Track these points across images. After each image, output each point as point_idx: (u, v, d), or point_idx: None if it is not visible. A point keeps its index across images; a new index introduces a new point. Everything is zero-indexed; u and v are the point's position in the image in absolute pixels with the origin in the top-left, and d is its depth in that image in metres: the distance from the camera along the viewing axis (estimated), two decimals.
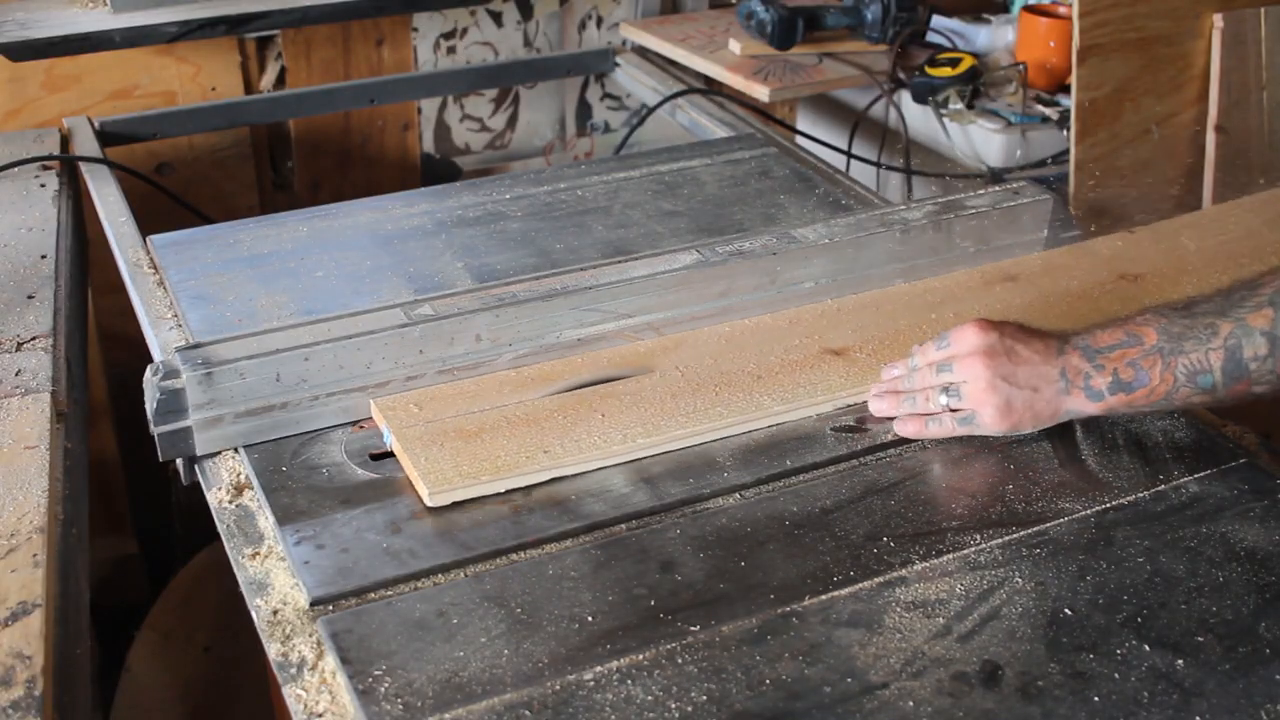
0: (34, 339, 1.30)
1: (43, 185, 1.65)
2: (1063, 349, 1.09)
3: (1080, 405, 1.09)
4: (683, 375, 1.20)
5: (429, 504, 1.05)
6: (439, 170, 2.34)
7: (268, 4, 1.95)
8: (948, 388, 1.12)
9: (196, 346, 1.14)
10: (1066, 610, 0.94)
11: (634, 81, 2.22)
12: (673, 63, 2.19)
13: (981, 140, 1.94)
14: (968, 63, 2.00)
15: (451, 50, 2.26)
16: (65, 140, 1.83)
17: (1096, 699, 0.86)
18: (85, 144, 1.79)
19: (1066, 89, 1.93)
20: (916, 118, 2.03)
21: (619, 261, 1.31)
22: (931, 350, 1.15)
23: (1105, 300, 1.32)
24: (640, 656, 0.90)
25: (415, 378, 1.18)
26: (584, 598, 0.95)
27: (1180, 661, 0.90)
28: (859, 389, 1.19)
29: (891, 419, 1.16)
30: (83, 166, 1.71)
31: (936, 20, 2.20)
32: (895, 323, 1.30)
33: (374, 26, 2.17)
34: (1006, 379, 1.10)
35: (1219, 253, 1.40)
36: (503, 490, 1.06)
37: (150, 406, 1.11)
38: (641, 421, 1.13)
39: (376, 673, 0.88)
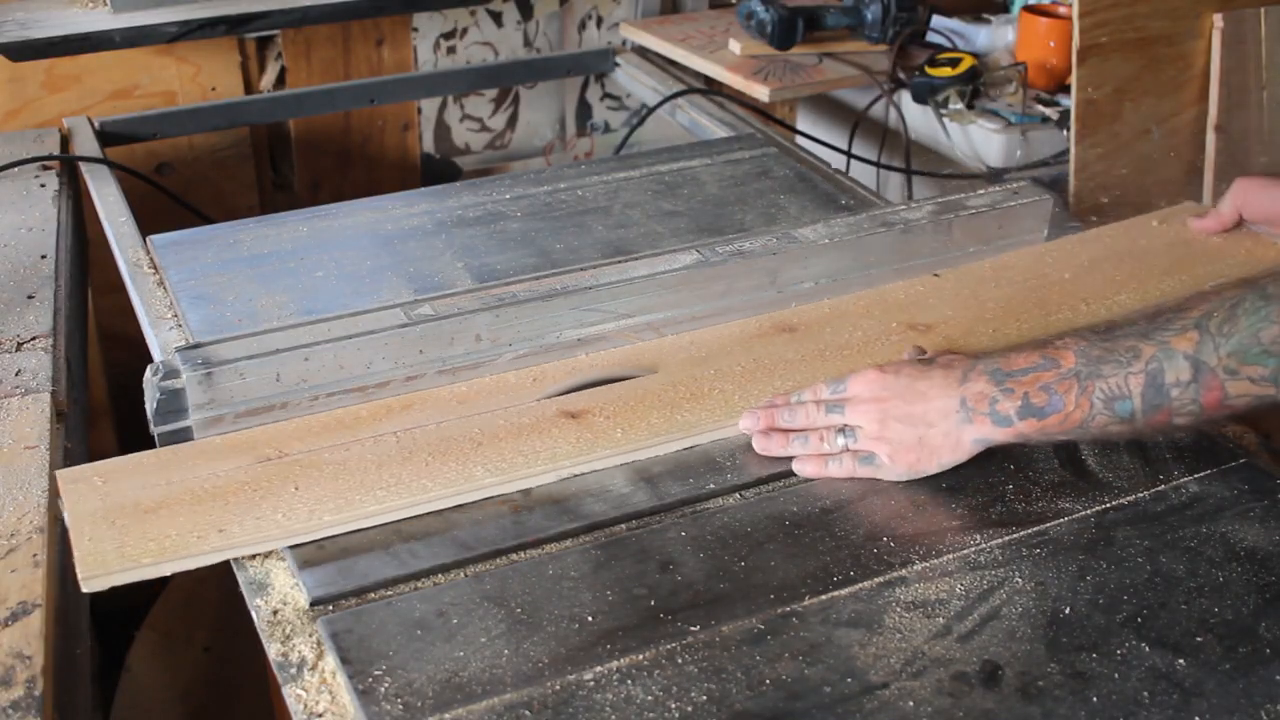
0: (34, 339, 1.30)
1: (43, 185, 1.65)
2: (966, 376, 1.04)
3: (986, 433, 1.03)
4: (397, 441, 1.10)
5: (84, 589, 0.95)
6: (439, 170, 2.34)
7: (268, 4, 1.95)
8: (844, 429, 1.08)
9: (196, 346, 1.14)
10: (1066, 610, 0.94)
11: (634, 81, 2.22)
12: (673, 63, 2.19)
13: (981, 140, 1.94)
14: (968, 63, 2.00)
15: (451, 50, 2.26)
16: (65, 140, 1.83)
17: (1096, 699, 0.86)
18: (85, 144, 1.79)
19: (1066, 89, 1.93)
20: (916, 118, 2.03)
21: (619, 261, 1.31)
22: (823, 390, 1.11)
23: (889, 352, 1.23)
24: (640, 656, 0.90)
25: (415, 378, 1.18)
26: (584, 598, 0.95)
27: (1180, 661, 0.90)
28: (588, 457, 1.09)
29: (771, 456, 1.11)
30: (83, 166, 1.71)
31: (936, 20, 2.20)
32: (647, 383, 1.19)
33: (374, 26, 2.17)
34: (898, 419, 1.05)
35: (1027, 300, 1.30)
36: (167, 574, 0.98)
37: (150, 406, 1.11)
38: (335, 496, 1.04)
39: (376, 673, 0.88)
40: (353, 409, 1.15)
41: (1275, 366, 0.94)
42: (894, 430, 1.05)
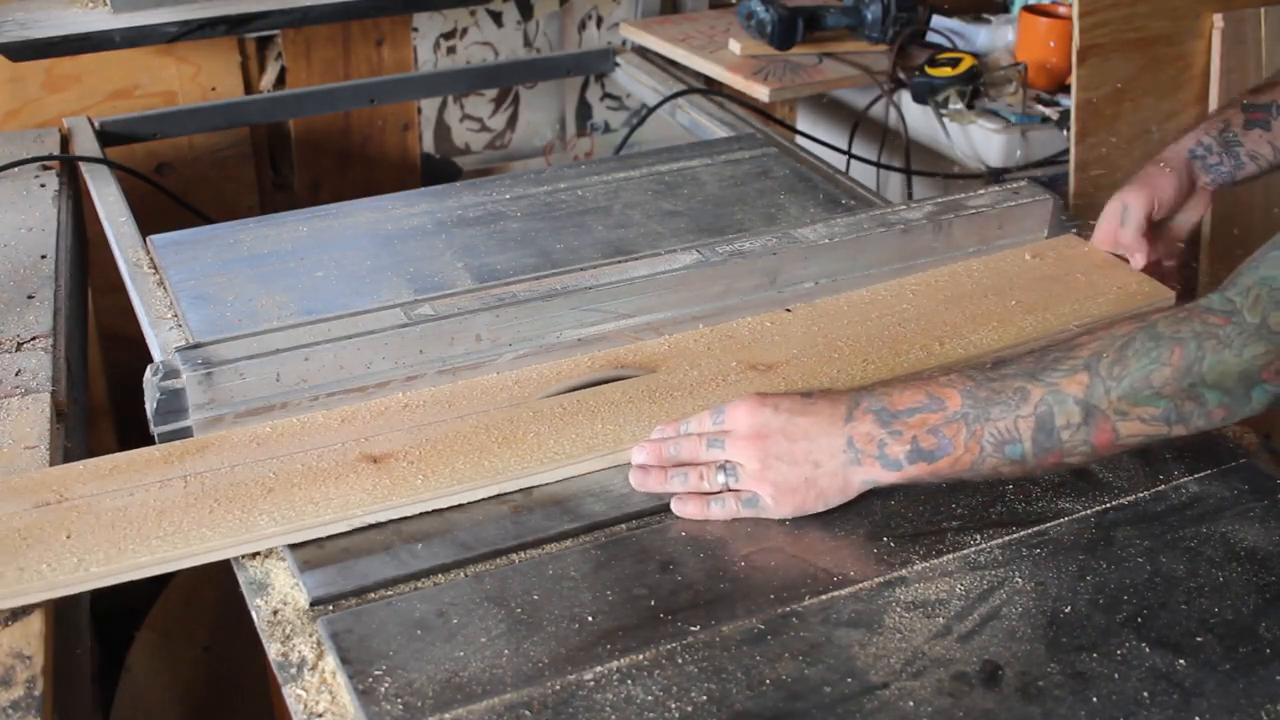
0: (34, 339, 1.30)
1: (43, 185, 1.65)
2: (851, 414, 1.00)
3: (875, 475, 1.00)
4: (185, 486, 1.04)
5: None
6: (439, 170, 2.34)
7: (268, 4, 1.95)
8: (725, 465, 1.03)
9: (196, 346, 1.14)
10: (1066, 610, 0.94)
11: (634, 81, 2.22)
12: (673, 63, 2.19)
13: (981, 140, 1.94)
14: (968, 63, 2.00)
15: (451, 50, 2.26)
16: (65, 140, 1.83)
17: (1096, 699, 0.86)
18: (85, 144, 1.79)
19: (1066, 89, 1.93)
20: (916, 118, 2.04)
21: (619, 261, 1.31)
22: (707, 421, 1.06)
23: (724, 394, 1.15)
24: (640, 656, 0.90)
25: (415, 378, 1.18)
26: (584, 598, 0.95)
27: (1180, 661, 0.90)
28: (382, 505, 1.03)
29: (656, 494, 1.06)
30: (83, 166, 1.71)
31: (936, 20, 2.20)
32: (460, 424, 1.13)
33: (374, 26, 2.17)
34: (780, 458, 1.00)
35: (878, 338, 1.24)
36: None
37: (150, 406, 1.11)
38: (108, 544, 0.98)
39: (376, 673, 0.88)
40: (145, 451, 1.08)
41: (1167, 407, 0.93)
42: (777, 471, 1.01)
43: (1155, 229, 1.37)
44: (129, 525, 1.00)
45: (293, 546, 1.00)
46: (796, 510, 1.02)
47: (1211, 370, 0.92)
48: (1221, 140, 1.34)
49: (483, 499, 1.06)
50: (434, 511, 1.04)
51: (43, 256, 1.47)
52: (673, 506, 1.05)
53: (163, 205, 1.85)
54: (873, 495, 1.06)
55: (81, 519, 1.00)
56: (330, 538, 1.01)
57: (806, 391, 1.04)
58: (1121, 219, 1.34)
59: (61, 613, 0.99)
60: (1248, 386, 0.92)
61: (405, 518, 1.03)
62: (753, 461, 1.01)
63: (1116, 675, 0.89)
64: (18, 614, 0.94)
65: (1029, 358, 0.98)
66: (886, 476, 1.00)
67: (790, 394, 1.04)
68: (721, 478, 1.03)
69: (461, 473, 1.07)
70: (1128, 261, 1.35)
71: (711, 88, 2.11)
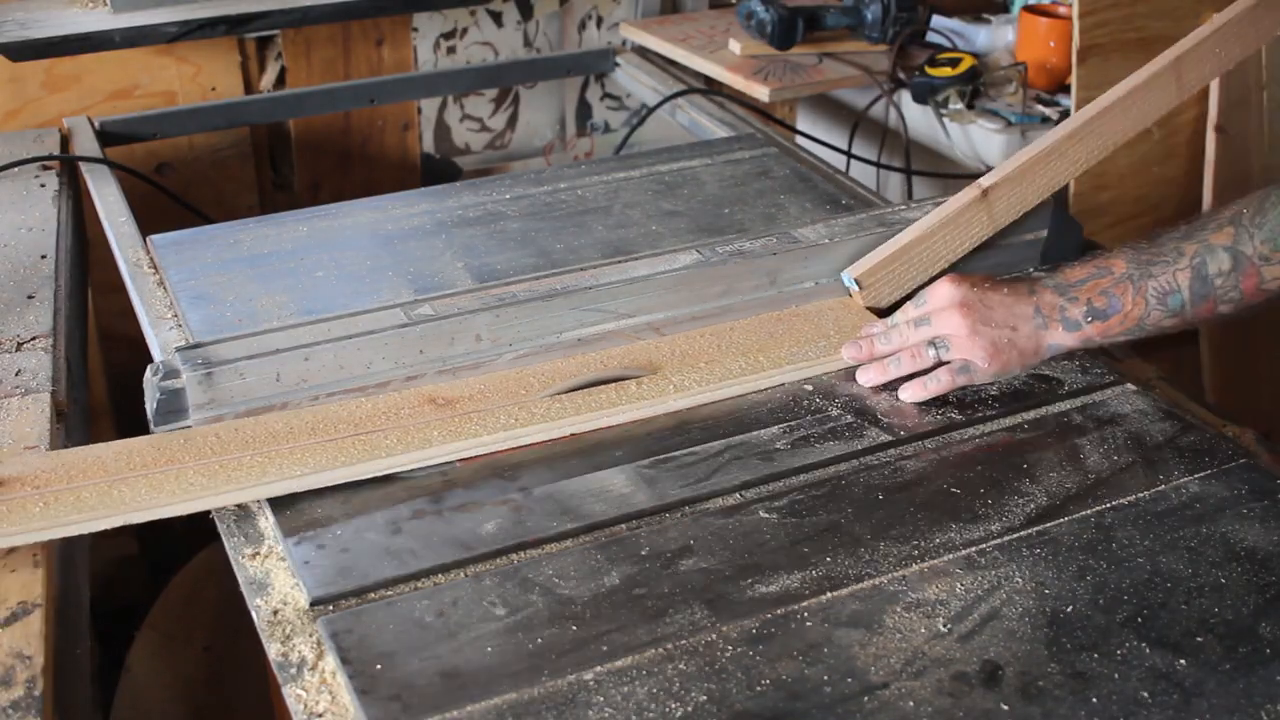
0: (34, 339, 1.30)
1: (43, 185, 1.66)
2: (1033, 289, 1.16)
3: (1059, 339, 1.15)
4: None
5: None
6: (439, 170, 2.34)
7: (268, 4, 1.95)
8: (934, 341, 1.17)
9: (196, 346, 1.14)
10: (1066, 610, 0.94)
11: (634, 81, 2.22)
12: (673, 63, 2.19)
13: (981, 140, 1.94)
14: (968, 63, 2.00)
15: (451, 50, 2.26)
16: (65, 140, 1.83)
17: (1096, 699, 0.86)
18: (85, 144, 1.79)
19: (1066, 89, 1.93)
20: (916, 118, 2.04)
21: (619, 261, 1.31)
22: (910, 309, 1.21)
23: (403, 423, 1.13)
24: (640, 656, 0.90)
25: (415, 378, 1.19)
26: (584, 598, 0.95)
27: (1180, 661, 0.90)
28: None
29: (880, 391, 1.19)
30: (83, 166, 1.71)
31: (936, 20, 2.20)
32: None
33: (374, 26, 2.17)
34: (984, 322, 1.15)
35: (579, 370, 1.21)
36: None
37: (150, 406, 1.11)
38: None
39: (376, 673, 0.88)
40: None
41: None
42: (984, 334, 1.15)
43: None
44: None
45: (294, 545, 1.00)
46: (1002, 370, 1.16)
47: None
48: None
49: (484, 499, 1.06)
50: (435, 512, 1.04)
51: (43, 256, 1.47)
52: (901, 395, 1.18)
53: (163, 205, 1.85)
54: (873, 495, 1.07)
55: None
56: (330, 538, 1.01)
57: (987, 276, 1.20)
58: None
59: (61, 613, 0.99)
60: None
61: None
62: (961, 329, 1.15)
63: (1116, 675, 0.89)
64: (17, 614, 0.94)
65: (1182, 226, 1.13)
66: (1068, 339, 1.16)
67: (979, 276, 1.19)
68: (932, 352, 1.17)
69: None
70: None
71: (711, 88, 2.11)
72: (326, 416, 1.12)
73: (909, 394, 1.18)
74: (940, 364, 1.17)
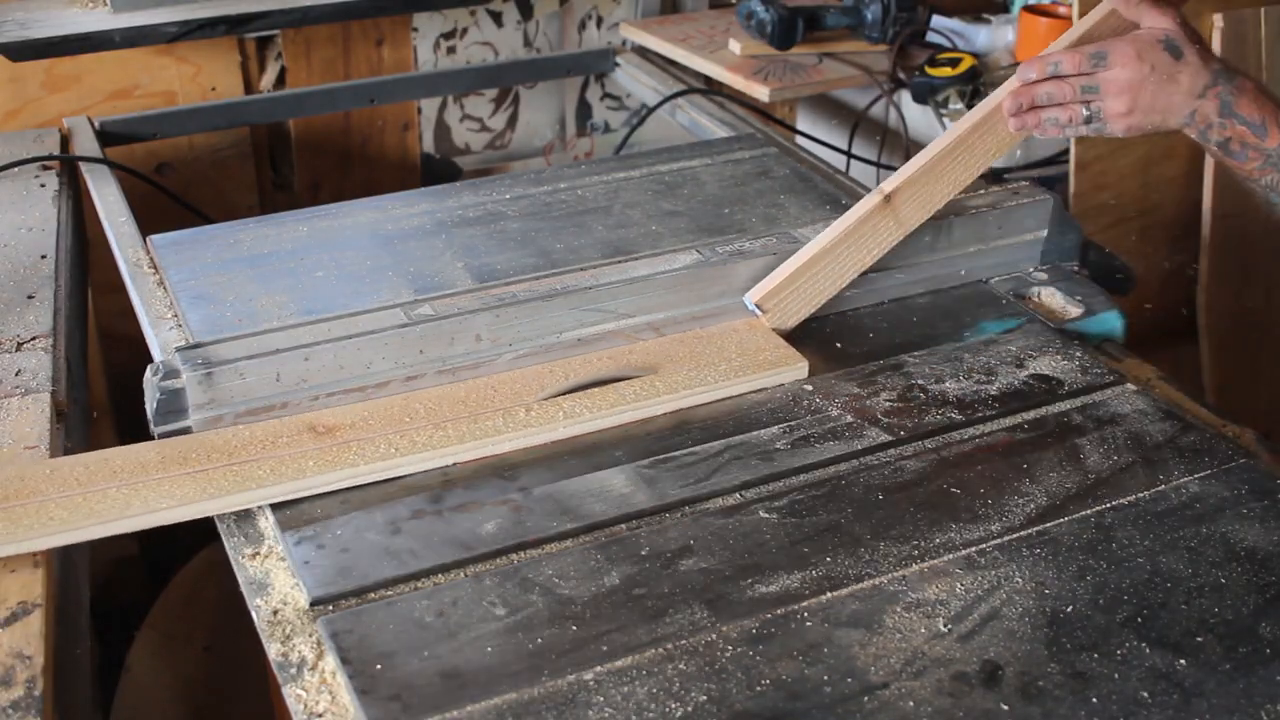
0: (34, 339, 1.30)
1: (43, 185, 1.65)
2: (1205, 92, 1.21)
3: (1192, 135, 1.23)
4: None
5: None
6: (439, 170, 2.34)
7: (268, 4, 1.95)
8: (1088, 105, 1.23)
9: (196, 346, 1.14)
10: (1066, 610, 0.94)
11: (634, 81, 2.22)
12: (673, 63, 2.18)
13: None
14: (968, 63, 2.00)
15: (451, 50, 2.26)
16: (65, 140, 1.83)
17: (1096, 699, 0.86)
18: (85, 144, 1.79)
19: None
20: (916, 118, 2.03)
21: (619, 261, 1.31)
22: (1084, 61, 1.23)
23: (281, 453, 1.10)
24: (640, 656, 0.90)
25: (415, 378, 1.18)
26: (584, 598, 0.95)
27: (1180, 661, 0.90)
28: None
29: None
30: (83, 166, 1.71)
31: (936, 20, 2.20)
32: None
33: (374, 26, 2.17)
34: (1144, 110, 1.21)
35: (467, 399, 1.17)
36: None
37: (150, 406, 1.11)
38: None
39: (376, 673, 0.88)
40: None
41: None
42: (1136, 118, 1.22)
43: None
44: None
45: (294, 545, 1.00)
46: (1128, 135, 1.25)
47: None
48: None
49: (483, 499, 1.06)
50: (434, 512, 1.04)
51: (43, 256, 1.47)
52: (1026, 120, 1.26)
53: (163, 205, 1.85)
54: (873, 495, 1.07)
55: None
56: (330, 538, 1.01)
57: (1178, 51, 1.21)
58: None
59: (61, 613, 0.99)
60: None
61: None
62: (1121, 106, 1.22)
63: (1116, 675, 0.89)
64: (17, 614, 0.94)
65: None
66: (1197, 140, 1.23)
67: (1164, 52, 1.21)
68: (1086, 114, 1.23)
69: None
70: None
71: (711, 88, 2.11)
72: (200, 445, 1.09)
73: (1048, 131, 1.26)
74: (1085, 122, 1.24)
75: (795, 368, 1.23)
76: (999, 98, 1.30)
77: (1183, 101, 1.21)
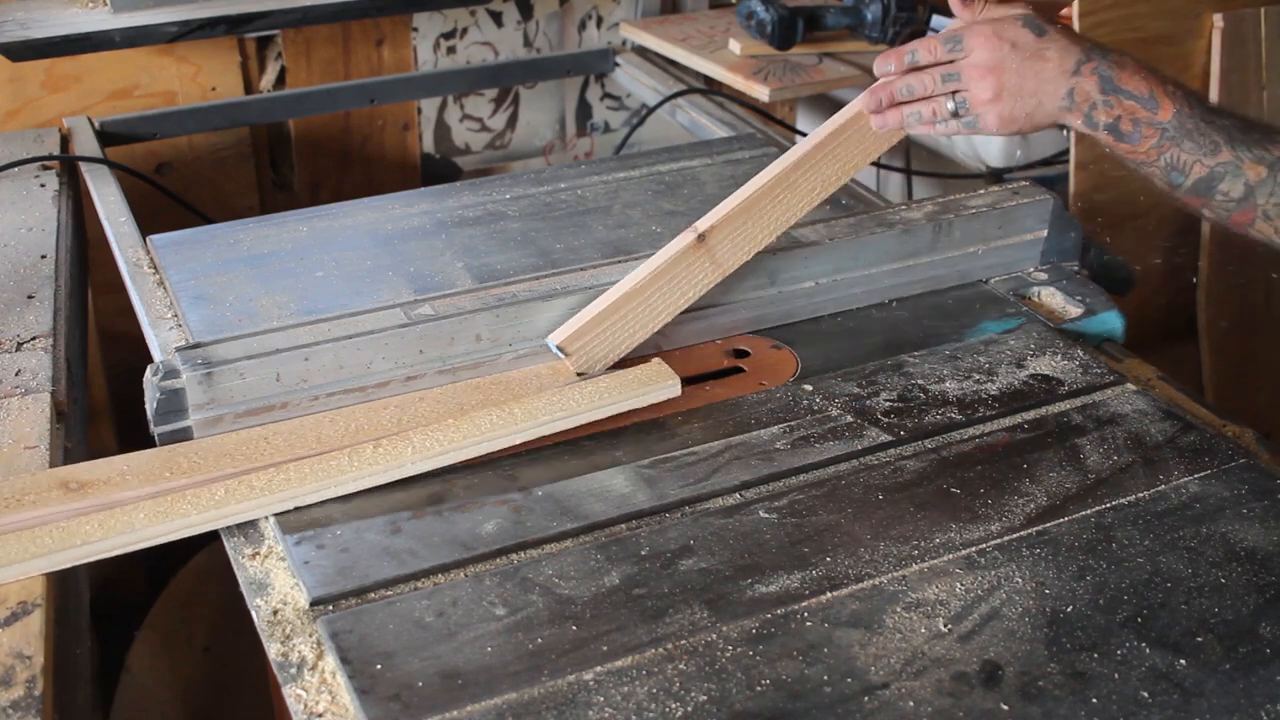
0: (34, 339, 1.30)
1: (43, 185, 1.65)
2: (1079, 68, 1.13)
3: (1074, 124, 1.15)
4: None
5: None
6: (439, 170, 2.34)
7: (268, 4, 1.95)
8: (954, 95, 1.17)
9: (196, 346, 1.14)
10: (1066, 610, 0.94)
11: (634, 81, 2.22)
12: (673, 63, 2.18)
13: (981, 140, 1.94)
14: None
15: (451, 50, 2.26)
16: (65, 140, 1.83)
17: (1096, 699, 0.86)
18: (85, 144, 1.79)
19: None
20: None
21: (619, 261, 1.31)
22: (940, 50, 1.17)
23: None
24: (640, 656, 0.90)
25: (415, 378, 1.18)
26: (584, 598, 0.95)
27: (1180, 661, 0.90)
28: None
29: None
30: (83, 166, 1.71)
31: (936, 20, 2.19)
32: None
33: (374, 26, 2.17)
34: (1011, 92, 1.14)
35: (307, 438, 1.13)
36: None
37: (150, 406, 1.11)
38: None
39: (376, 673, 0.88)
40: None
41: None
42: (1006, 103, 1.14)
43: None
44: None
45: (294, 545, 1.00)
46: (1011, 131, 1.17)
47: None
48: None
49: (483, 499, 1.06)
50: (435, 512, 1.04)
51: (43, 256, 1.47)
52: (906, 126, 1.21)
53: (163, 205, 1.85)
54: (874, 495, 1.07)
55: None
56: (330, 538, 1.01)
57: (1040, 29, 1.14)
58: None
59: (61, 613, 0.99)
60: None
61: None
62: (986, 91, 1.15)
63: (1116, 675, 0.89)
64: (17, 614, 0.94)
65: (1239, 120, 1.11)
66: (1081, 129, 1.15)
67: (1023, 30, 1.14)
68: (950, 105, 1.17)
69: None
70: None
71: (711, 88, 2.11)
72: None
73: (916, 129, 1.21)
74: (954, 116, 1.18)
75: (667, 385, 1.18)
76: (837, 124, 1.24)
77: (1055, 78, 1.13)
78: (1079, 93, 1.13)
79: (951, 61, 1.16)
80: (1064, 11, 2.03)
